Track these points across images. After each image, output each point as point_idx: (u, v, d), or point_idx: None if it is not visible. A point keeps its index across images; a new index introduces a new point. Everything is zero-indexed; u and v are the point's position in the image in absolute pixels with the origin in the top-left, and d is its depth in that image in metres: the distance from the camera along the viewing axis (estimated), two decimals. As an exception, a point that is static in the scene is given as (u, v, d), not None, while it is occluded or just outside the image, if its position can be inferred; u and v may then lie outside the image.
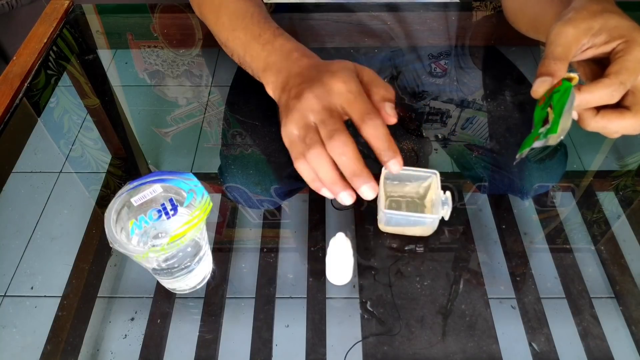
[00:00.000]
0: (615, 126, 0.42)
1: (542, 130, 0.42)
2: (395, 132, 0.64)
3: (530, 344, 0.47)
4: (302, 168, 0.44)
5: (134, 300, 0.51)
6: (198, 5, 0.66)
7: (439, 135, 0.64)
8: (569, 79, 0.41)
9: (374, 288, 0.51)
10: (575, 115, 0.42)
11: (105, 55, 0.78)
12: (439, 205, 0.49)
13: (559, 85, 0.41)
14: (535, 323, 0.49)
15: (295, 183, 0.59)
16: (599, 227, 0.56)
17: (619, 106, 0.43)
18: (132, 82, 0.75)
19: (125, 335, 0.48)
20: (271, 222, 0.57)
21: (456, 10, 0.80)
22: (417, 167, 0.52)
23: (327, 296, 0.51)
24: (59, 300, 0.50)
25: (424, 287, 0.51)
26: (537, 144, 0.42)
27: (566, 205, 0.59)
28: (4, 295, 0.51)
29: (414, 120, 0.66)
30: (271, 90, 0.52)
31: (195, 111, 0.70)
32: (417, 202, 0.55)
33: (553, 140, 0.40)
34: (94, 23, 0.81)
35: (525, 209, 0.58)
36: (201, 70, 0.76)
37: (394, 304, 0.50)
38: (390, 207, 0.54)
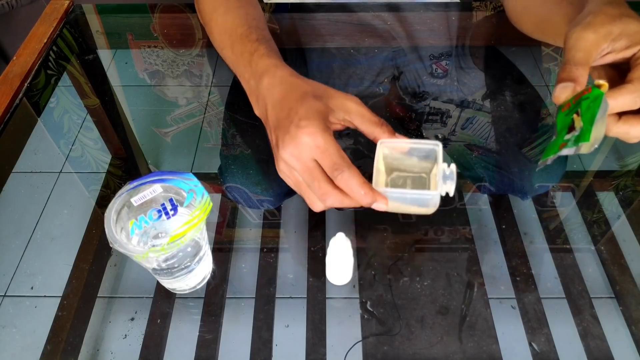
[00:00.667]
0: (636, 131, 0.42)
1: (569, 137, 0.41)
2: (396, 132, 0.64)
3: (530, 344, 0.47)
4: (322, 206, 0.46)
5: (134, 300, 0.51)
6: (199, 17, 0.67)
7: (439, 135, 0.64)
8: (599, 86, 0.40)
9: (374, 288, 0.51)
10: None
11: (105, 55, 0.78)
12: (440, 181, 0.44)
13: (588, 92, 0.40)
14: (535, 323, 0.49)
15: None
16: (599, 227, 0.56)
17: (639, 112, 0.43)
18: (132, 82, 0.75)
19: (125, 335, 0.48)
20: (271, 222, 0.57)
21: (456, 11, 0.80)
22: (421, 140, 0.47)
23: (327, 296, 0.51)
24: (59, 300, 0.50)
25: (424, 287, 0.51)
26: (567, 151, 0.41)
27: (566, 205, 0.59)
28: (4, 295, 0.51)
29: (414, 120, 0.66)
30: (257, 113, 0.52)
31: (195, 111, 0.70)
32: (424, 177, 0.50)
33: (586, 148, 0.40)
34: (94, 23, 0.81)
35: (525, 209, 0.58)
36: (201, 70, 0.76)
37: (394, 304, 0.50)
38: (394, 184, 0.50)
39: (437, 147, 0.46)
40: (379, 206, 0.43)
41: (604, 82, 0.40)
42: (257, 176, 0.58)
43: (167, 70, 0.76)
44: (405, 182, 0.50)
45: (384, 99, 0.69)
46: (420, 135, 0.64)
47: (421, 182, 0.50)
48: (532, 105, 0.68)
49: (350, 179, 0.41)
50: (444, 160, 0.45)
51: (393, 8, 0.79)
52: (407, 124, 0.66)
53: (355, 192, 0.42)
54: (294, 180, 0.46)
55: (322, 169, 0.43)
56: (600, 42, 0.42)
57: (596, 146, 0.39)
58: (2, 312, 0.50)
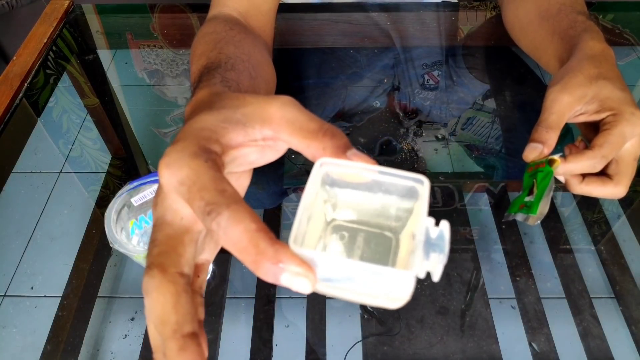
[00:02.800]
0: (597, 193, 0.45)
1: (527, 199, 0.44)
2: (395, 132, 0.64)
3: (530, 344, 0.47)
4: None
5: (134, 300, 0.51)
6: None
7: (438, 135, 0.64)
8: (552, 162, 0.43)
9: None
10: (562, 179, 0.46)
11: (105, 55, 0.78)
12: (419, 251, 0.23)
13: (543, 167, 0.43)
14: (535, 323, 0.49)
15: (294, 182, 0.59)
16: (599, 227, 0.56)
17: (604, 173, 0.45)
18: (131, 82, 0.75)
19: (125, 335, 0.48)
20: (271, 222, 0.57)
21: (456, 11, 0.79)
22: (401, 168, 0.26)
23: (327, 296, 0.51)
24: (59, 300, 0.50)
25: (424, 287, 0.51)
26: (519, 217, 0.44)
27: (566, 206, 0.59)
28: (4, 295, 0.51)
29: (414, 120, 0.66)
30: None
31: (195, 111, 0.70)
32: (387, 236, 0.28)
33: (532, 221, 0.43)
34: (94, 23, 0.81)
35: (525, 209, 0.58)
36: (201, 70, 0.76)
37: (394, 304, 0.50)
38: (336, 241, 0.28)
39: (421, 184, 0.25)
40: (296, 282, 0.22)
41: (557, 158, 0.43)
42: (256, 176, 0.57)
43: (166, 70, 0.76)
44: (353, 245, 0.28)
45: (384, 103, 0.69)
46: (420, 135, 0.64)
47: (383, 246, 0.28)
48: (533, 105, 0.68)
49: (232, 224, 0.23)
50: (430, 214, 0.24)
51: (392, 8, 0.79)
52: (407, 124, 0.66)
53: (240, 244, 0.22)
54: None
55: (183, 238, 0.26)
56: (573, 105, 0.44)
57: (539, 221, 0.43)
58: (2, 312, 0.50)
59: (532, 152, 0.44)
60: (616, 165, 0.44)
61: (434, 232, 0.24)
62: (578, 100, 0.44)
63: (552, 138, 0.44)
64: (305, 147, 0.27)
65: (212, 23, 0.53)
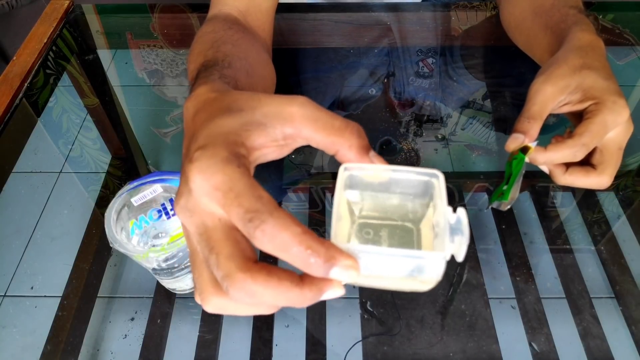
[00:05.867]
0: (581, 183, 0.45)
1: (505, 187, 0.44)
2: (395, 131, 0.64)
3: (530, 344, 0.47)
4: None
5: (134, 300, 0.51)
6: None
7: (438, 135, 0.64)
8: (526, 149, 0.43)
9: (374, 288, 0.51)
10: (546, 170, 0.46)
11: (105, 55, 0.78)
12: (445, 236, 0.26)
13: (517, 154, 0.44)
14: (535, 323, 0.49)
15: (294, 182, 0.59)
16: (599, 227, 0.56)
17: (588, 163, 0.45)
18: (131, 82, 0.75)
19: (125, 335, 0.48)
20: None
21: (456, 11, 0.79)
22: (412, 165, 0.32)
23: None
24: (59, 300, 0.50)
25: (424, 287, 0.51)
26: (494, 205, 0.44)
27: (566, 206, 0.59)
28: (4, 295, 0.51)
29: (414, 121, 0.66)
30: None
31: (195, 111, 0.70)
32: (409, 228, 0.30)
33: (504, 206, 0.44)
34: (94, 23, 0.81)
35: (525, 209, 0.58)
36: (201, 70, 0.76)
37: (394, 304, 0.50)
38: (362, 238, 0.30)
39: (436, 178, 0.28)
40: (344, 274, 0.25)
41: (532, 146, 0.43)
42: (256, 176, 0.58)
43: (166, 70, 0.76)
44: (379, 238, 0.30)
45: (381, 98, 0.69)
46: (420, 135, 0.64)
47: (406, 237, 0.30)
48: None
49: (278, 231, 0.24)
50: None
51: (391, 8, 0.79)
52: (407, 124, 0.66)
53: (293, 255, 0.24)
54: (191, 249, 0.28)
55: (232, 232, 0.26)
56: (557, 95, 0.44)
57: (509, 206, 0.43)
58: (2, 312, 0.50)
59: (514, 142, 0.44)
60: (600, 154, 0.44)
61: (453, 218, 0.26)
62: (561, 90, 0.44)
63: (533, 128, 0.43)
64: (330, 144, 0.28)
65: (211, 23, 0.53)
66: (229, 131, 0.27)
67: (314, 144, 0.28)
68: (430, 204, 0.29)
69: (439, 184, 0.28)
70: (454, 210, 0.26)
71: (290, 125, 0.28)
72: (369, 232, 0.30)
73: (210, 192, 0.25)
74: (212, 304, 0.27)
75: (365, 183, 0.29)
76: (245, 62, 0.44)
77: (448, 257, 0.25)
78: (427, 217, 0.30)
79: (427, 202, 0.30)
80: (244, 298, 0.25)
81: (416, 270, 0.26)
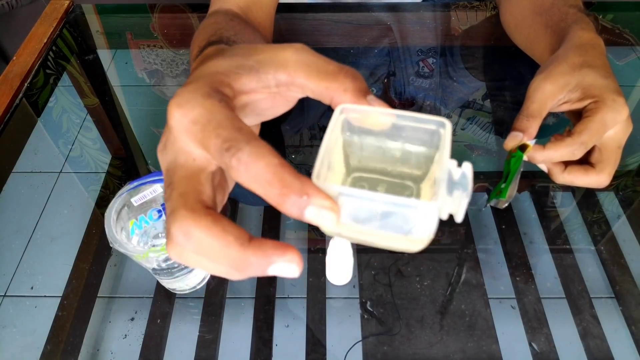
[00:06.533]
0: (580, 182, 0.44)
1: (504, 186, 0.44)
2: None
3: (530, 344, 0.47)
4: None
5: (134, 300, 0.51)
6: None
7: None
8: (524, 147, 0.43)
9: (374, 288, 0.51)
10: (545, 168, 0.45)
11: (105, 55, 0.78)
12: (442, 188, 0.22)
13: (515, 152, 0.44)
14: (535, 323, 0.49)
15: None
16: (599, 227, 0.56)
17: (587, 162, 0.45)
18: (131, 82, 0.75)
19: (125, 335, 0.48)
20: (271, 222, 0.57)
21: (456, 11, 0.79)
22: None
23: (327, 296, 0.51)
24: (59, 300, 0.50)
25: (424, 287, 0.51)
26: (492, 203, 0.45)
27: (566, 206, 0.59)
28: (4, 295, 0.51)
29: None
30: None
31: (195, 111, 0.70)
32: (408, 185, 0.27)
33: (502, 204, 0.44)
34: (94, 23, 0.81)
35: (525, 209, 0.58)
36: (201, 70, 0.76)
37: (394, 304, 0.50)
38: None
39: (443, 127, 0.25)
40: (321, 217, 0.22)
41: (530, 144, 0.43)
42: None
43: (166, 70, 0.76)
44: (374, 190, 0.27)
45: (381, 98, 0.69)
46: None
47: (403, 192, 0.27)
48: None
49: (254, 160, 0.22)
50: (453, 156, 0.24)
51: (391, 8, 0.79)
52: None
53: (266, 187, 0.22)
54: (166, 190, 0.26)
55: (199, 176, 0.24)
56: (556, 93, 0.44)
57: (507, 204, 0.44)
58: (2, 312, 0.50)
59: (512, 141, 0.44)
60: (599, 153, 0.44)
61: (457, 173, 0.23)
62: (560, 88, 0.43)
63: (532, 126, 0.43)
64: (324, 90, 0.26)
65: (212, 16, 0.53)
66: (217, 71, 0.26)
67: (309, 93, 0.27)
68: (435, 158, 0.26)
69: (445, 133, 0.25)
70: (459, 165, 0.23)
71: (284, 71, 0.26)
72: (364, 186, 0.27)
73: (188, 127, 0.24)
74: (170, 248, 0.24)
75: (365, 130, 0.26)
76: (236, 28, 0.45)
77: (445, 215, 0.22)
78: (429, 174, 0.26)
79: (432, 156, 0.26)
80: (183, 241, 0.22)
81: (404, 224, 0.23)
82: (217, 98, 0.24)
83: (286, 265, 0.22)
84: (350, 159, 0.27)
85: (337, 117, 0.25)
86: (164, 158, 0.26)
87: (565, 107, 0.45)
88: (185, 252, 0.23)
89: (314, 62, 0.26)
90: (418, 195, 0.27)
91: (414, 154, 0.26)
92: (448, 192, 0.22)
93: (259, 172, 0.22)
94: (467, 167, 0.23)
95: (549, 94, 0.43)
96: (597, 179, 0.44)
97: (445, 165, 0.23)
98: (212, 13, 0.54)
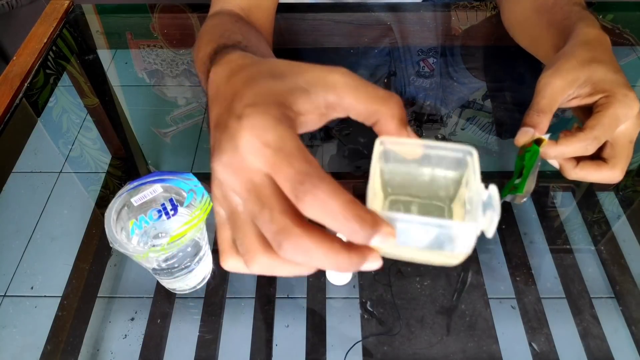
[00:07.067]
0: (593, 177, 0.44)
1: (517, 181, 0.43)
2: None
3: (530, 344, 0.47)
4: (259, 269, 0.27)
5: (134, 300, 0.51)
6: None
7: (438, 135, 0.64)
8: (540, 141, 0.43)
9: (374, 288, 0.51)
10: (556, 164, 0.45)
11: (105, 55, 0.78)
12: (478, 209, 0.27)
13: (530, 147, 0.43)
14: (535, 323, 0.49)
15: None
16: (599, 227, 0.56)
17: (599, 157, 0.44)
18: (131, 82, 0.75)
19: (125, 335, 0.48)
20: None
21: (456, 11, 0.79)
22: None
23: (327, 296, 0.51)
24: (59, 300, 0.50)
25: (424, 287, 0.51)
26: (508, 198, 0.43)
27: (566, 206, 0.59)
28: (4, 295, 0.51)
29: (414, 121, 0.66)
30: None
31: (195, 111, 0.70)
32: (440, 205, 0.31)
33: (519, 199, 0.42)
34: (94, 23, 0.81)
35: (525, 209, 0.58)
36: (201, 70, 0.76)
37: (394, 304, 0.50)
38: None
39: (471, 155, 0.28)
40: (384, 243, 0.24)
41: (545, 138, 0.42)
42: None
43: (166, 70, 0.76)
44: (409, 212, 0.31)
45: (382, 85, 0.69)
46: (419, 135, 0.64)
47: (436, 213, 0.31)
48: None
49: (330, 197, 0.24)
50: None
51: (392, 8, 0.79)
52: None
53: (340, 222, 0.24)
54: (230, 210, 0.28)
55: (278, 190, 0.25)
56: (566, 89, 0.43)
57: (525, 199, 0.42)
58: (2, 312, 0.50)
59: (524, 136, 0.43)
60: (611, 148, 0.44)
61: (485, 194, 0.26)
62: (570, 83, 0.43)
63: (543, 122, 0.43)
64: (372, 113, 0.28)
65: (215, 17, 0.53)
66: (278, 92, 0.27)
67: (353, 114, 0.28)
68: (462, 181, 0.29)
69: (473, 161, 0.28)
70: (486, 188, 0.27)
71: (333, 93, 0.28)
72: (400, 208, 0.31)
73: (259, 150, 0.25)
74: (259, 263, 0.26)
75: (398, 158, 0.29)
76: (256, 50, 0.44)
77: (479, 232, 0.26)
78: (458, 195, 0.30)
79: (459, 180, 0.30)
80: (296, 255, 0.24)
81: (447, 242, 0.26)
82: (287, 124, 0.26)
83: (374, 260, 0.25)
84: (386, 184, 0.31)
85: (378, 148, 0.28)
86: (232, 177, 0.26)
87: (575, 103, 0.45)
88: (298, 268, 0.26)
89: (363, 85, 0.28)
90: (450, 215, 0.31)
91: (442, 177, 0.30)
92: (482, 212, 0.26)
93: (335, 210, 0.23)
94: (494, 190, 0.26)
95: (558, 89, 0.43)
96: (610, 174, 0.44)
97: (477, 191, 0.27)
98: (215, 14, 0.54)
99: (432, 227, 0.25)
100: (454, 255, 0.27)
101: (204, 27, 0.51)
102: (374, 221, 0.24)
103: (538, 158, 0.42)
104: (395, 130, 0.28)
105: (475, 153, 0.28)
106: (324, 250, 0.24)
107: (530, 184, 0.42)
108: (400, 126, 0.28)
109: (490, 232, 0.26)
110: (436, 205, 0.31)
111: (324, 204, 0.23)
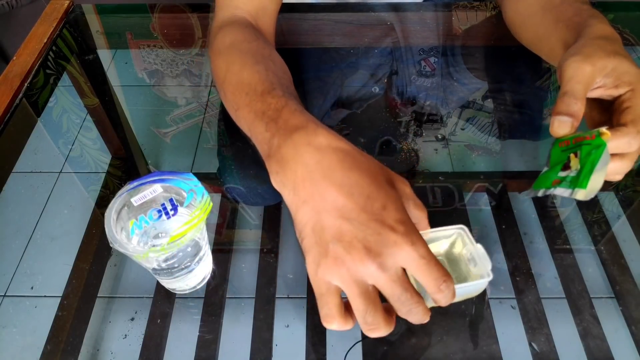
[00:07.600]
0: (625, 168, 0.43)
1: (563, 174, 0.41)
2: (395, 131, 0.64)
3: (530, 344, 0.47)
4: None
5: (134, 300, 0.51)
6: (214, 80, 0.56)
7: (438, 135, 0.64)
8: (602, 134, 0.40)
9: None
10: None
11: (105, 55, 0.78)
12: (486, 266, 0.42)
13: (591, 138, 0.40)
14: (535, 323, 0.49)
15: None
16: (599, 227, 0.56)
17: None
18: (131, 82, 0.75)
19: (125, 335, 0.48)
20: (271, 222, 0.57)
21: (456, 11, 0.79)
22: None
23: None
24: (59, 300, 0.50)
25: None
26: (561, 191, 0.41)
27: (566, 206, 0.59)
28: (4, 295, 0.51)
29: (414, 121, 0.66)
30: (276, 185, 0.40)
31: (195, 111, 0.70)
32: (442, 260, 0.46)
33: (581, 195, 0.39)
34: (94, 23, 0.81)
35: (525, 209, 0.58)
36: (201, 70, 0.76)
37: (394, 304, 0.50)
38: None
39: (463, 230, 0.43)
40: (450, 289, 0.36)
41: (607, 131, 0.40)
42: (256, 176, 0.58)
43: (166, 70, 0.76)
44: None
45: (382, 97, 0.69)
46: (420, 135, 0.64)
47: (448, 267, 0.46)
48: (534, 99, 0.68)
49: (453, 289, 0.36)
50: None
51: (392, 8, 0.79)
52: (407, 124, 0.66)
53: (449, 298, 0.36)
54: (363, 289, 0.35)
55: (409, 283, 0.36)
56: (595, 75, 0.42)
57: (592, 196, 0.39)
58: (2, 312, 0.50)
59: (562, 127, 0.41)
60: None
61: (480, 250, 0.42)
62: (600, 71, 0.42)
63: (580, 109, 0.41)
64: (416, 221, 0.41)
65: (231, 30, 0.53)
66: (402, 205, 0.36)
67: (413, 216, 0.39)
68: (455, 245, 0.45)
69: (466, 232, 0.43)
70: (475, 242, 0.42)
71: (406, 202, 0.38)
72: None
73: (416, 259, 0.34)
74: (379, 332, 0.36)
75: None
76: (289, 79, 0.49)
77: (488, 279, 0.41)
78: (456, 250, 0.45)
79: (453, 243, 0.45)
80: (413, 319, 0.37)
81: (475, 291, 0.44)
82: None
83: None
84: None
85: None
86: (385, 274, 0.34)
87: (598, 93, 0.44)
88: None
89: (415, 198, 0.40)
90: (449, 267, 0.46)
91: (438, 245, 0.46)
92: (484, 265, 0.42)
93: (451, 296, 0.36)
94: (480, 247, 0.42)
95: (589, 75, 0.42)
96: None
97: (477, 252, 0.42)
98: (229, 24, 0.55)
99: (470, 288, 0.42)
100: (474, 294, 0.45)
101: (223, 44, 0.52)
102: (454, 293, 0.36)
103: (605, 152, 0.39)
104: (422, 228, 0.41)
105: (465, 228, 0.43)
106: (423, 309, 0.36)
107: (595, 182, 0.39)
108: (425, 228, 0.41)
109: (490, 275, 0.41)
110: (444, 262, 0.46)
111: (449, 291, 0.35)
